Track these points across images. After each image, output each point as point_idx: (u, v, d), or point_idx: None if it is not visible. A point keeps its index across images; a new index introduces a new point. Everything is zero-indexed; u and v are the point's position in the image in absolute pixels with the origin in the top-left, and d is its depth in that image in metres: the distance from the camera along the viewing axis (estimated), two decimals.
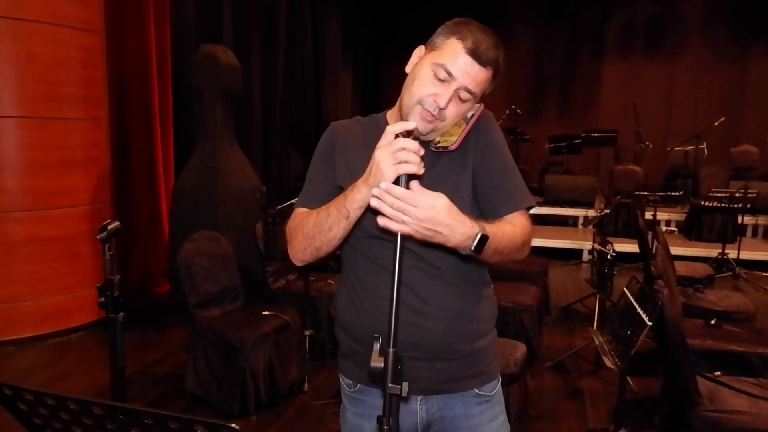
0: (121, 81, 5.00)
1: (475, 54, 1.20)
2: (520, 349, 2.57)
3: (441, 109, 1.21)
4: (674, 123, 9.51)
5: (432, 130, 1.25)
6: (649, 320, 1.96)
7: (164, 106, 5.34)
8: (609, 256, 3.30)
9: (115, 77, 4.87)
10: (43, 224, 4.04)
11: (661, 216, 7.25)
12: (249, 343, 2.97)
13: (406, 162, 1.04)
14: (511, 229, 1.21)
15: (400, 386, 0.98)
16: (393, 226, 1.03)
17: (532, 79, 10.20)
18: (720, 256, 6.15)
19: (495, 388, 1.39)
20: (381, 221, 1.04)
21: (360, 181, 1.13)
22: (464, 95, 1.23)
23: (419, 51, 1.31)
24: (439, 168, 1.27)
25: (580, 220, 7.58)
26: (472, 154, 1.29)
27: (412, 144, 1.05)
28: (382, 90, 10.49)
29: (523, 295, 3.57)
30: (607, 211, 4.33)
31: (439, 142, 1.29)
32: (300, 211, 1.30)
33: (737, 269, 6.05)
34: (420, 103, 1.23)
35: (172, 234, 4.73)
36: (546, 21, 10.14)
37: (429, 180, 1.15)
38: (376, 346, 1.00)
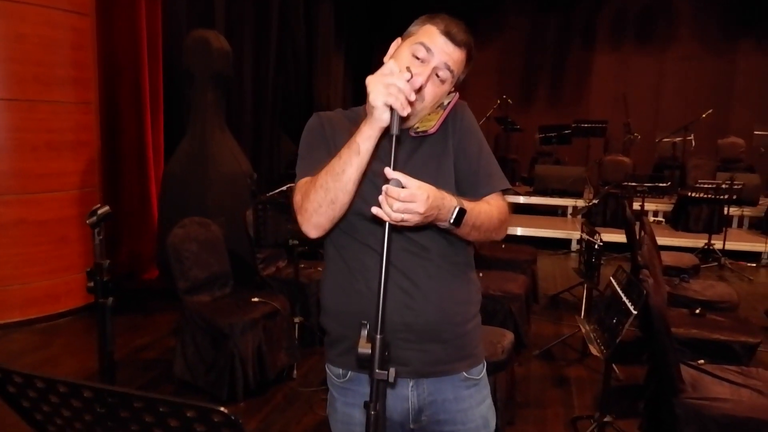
0: (111, 63, 4.94)
1: (449, 35, 1.27)
2: (508, 337, 2.60)
3: (418, 92, 1.20)
4: (663, 114, 9.57)
5: (413, 115, 1.25)
6: (634, 309, 2.00)
7: (155, 90, 5.28)
8: (596, 246, 3.33)
9: (105, 60, 4.81)
10: (31, 207, 4.00)
11: (649, 206, 7.32)
12: (238, 329, 2.98)
13: (394, 97, 1.09)
14: (487, 207, 1.26)
15: (387, 372, 0.99)
16: (392, 216, 1.07)
17: (523, 68, 10.19)
18: (706, 247, 6.23)
19: (481, 372, 1.42)
20: (376, 211, 1.08)
21: (364, 121, 1.18)
22: (442, 74, 1.27)
23: (395, 43, 1.36)
24: (421, 152, 1.32)
25: (570, 210, 7.63)
26: (451, 138, 1.33)
27: (400, 80, 1.10)
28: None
29: (512, 284, 3.60)
30: (595, 201, 4.36)
31: (418, 127, 1.32)
32: (304, 180, 1.30)
33: (722, 259, 6.13)
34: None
35: (162, 219, 4.71)
36: (537, 10, 10.10)
37: (413, 164, 1.26)
38: (364, 332, 1.01)
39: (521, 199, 7.85)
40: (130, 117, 5.14)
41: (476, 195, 1.30)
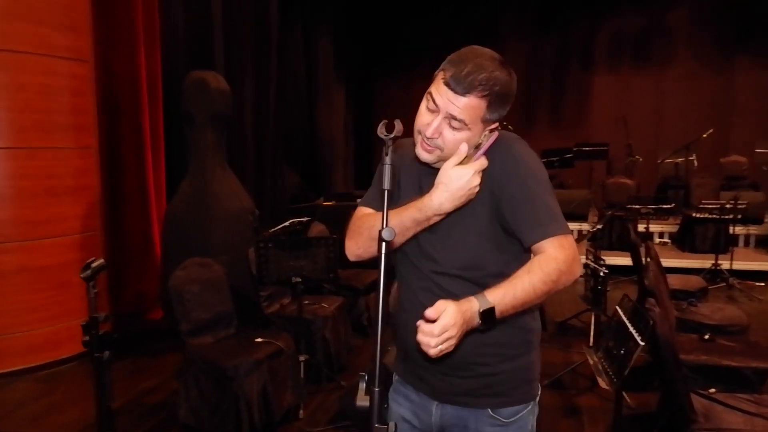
0: (111, 107, 4.99)
1: (450, 84, 1.26)
2: None
3: (433, 138, 1.27)
4: (664, 134, 9.57)
5: (438, 159, 1.31)
6: (642, 340, 1.95)
7: (155, 131, 5.33)
8: (602, 274, 3.30)
9: (105, 103, 4.87)
10: (32, 254, 4.00)
11: (654, 228, 7.27)
12: (242, 371, 2.94)
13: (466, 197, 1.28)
14: (526, 279, 1.21)
15: (386, 427, 0.96)
16: (433, 353, 1.14)
17: (522, 92, 10.22)
18: (713, 267, 6.16)
19: (514, 415, 1.36)
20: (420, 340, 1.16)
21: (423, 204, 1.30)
22: (455, 123, 1.27)
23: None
24: None
25: (575, 234, 7.58)
26: (489, 181, 1.30)
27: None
28: (376, 107, 10.57)
29: None
30: (599, 226, 4.33)
31: None
32: (361, 210, 1.44)
33: (730, 280, 6.05)
34: (419, 132, 1.32)
35: (165, 259, 4.70)
36: (534, 35, 10.22)
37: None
38: (362, 385, 0.99)
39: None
40: (131, 159, 5.17)
41: (524, 242, 1.27)
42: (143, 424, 3.25)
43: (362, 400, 0.97)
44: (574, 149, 8.18)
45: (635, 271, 3.99)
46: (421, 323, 1.13)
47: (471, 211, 1.30)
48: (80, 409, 3.48)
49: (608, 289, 3.37)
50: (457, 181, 1.25)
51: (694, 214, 6.38)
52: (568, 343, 4.41)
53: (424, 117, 1.30)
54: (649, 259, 2.83)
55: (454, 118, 1.26)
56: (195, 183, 4.63)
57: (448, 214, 1.29)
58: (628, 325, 2.08)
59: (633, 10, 9.73)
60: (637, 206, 6.00)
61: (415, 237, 1.34)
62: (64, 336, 4.15)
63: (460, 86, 1.25)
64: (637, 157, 8.38)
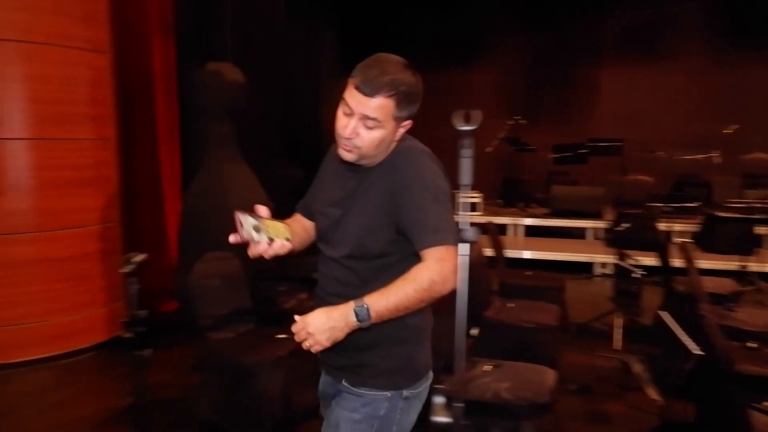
0: (125, 99, 4.96)
1: (360, 88, 1.41)
2: (550, 375, 2.49)
3: (351, 138, 1.43)
4: (675, 130, 9.36)
5: (360, 157, 1.46)
6: (700, 350, 1.84)
7: (170, 124, 5.29)
8: (638, 275, 3.17)
9: (120, 96, 4.84)
10: (52, 245, 4.00)
11: (674, 227, 7.14)
12: (263, 368, 2.90)
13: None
14: (401, 286, 1.38)
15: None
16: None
17: (527, 87, 10.07)
18: (741, 269, 5.96)
19: (367, 395, 1.54)
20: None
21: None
22: (369, 123, 1.42)
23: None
24: (367, 183, 1.51)
25: (590, 232, 7.47)
26: (390, 187, 1.46)
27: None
28: None
29: (543, 314, 3.46)
30: (627, 225, 4.19)
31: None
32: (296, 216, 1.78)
33: (760, 283, 5.83)
34: (339, 135, 1.47)
35: (182, 252, 4.68)
36: (539, 28, 10.00)
37: (359, 191, 1.50)
38: (439, 400, 0.96)
39: (535, 222, 7.69)
40: (145, 152, 5.13)
41: (414, 249, 1.42)
42: (161, 418, 3.22)
43: (440, 416, 0.94)
44: (589, 144, 8.00)
45: (660, 271, 3.87)
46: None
47: (363, 210, 1.48)
48: (99, 401, 3.48)
49: (641, 292, 3.24)
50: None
51: (718, 213, 6.21)
52: (591, 346, 4.25)
53: (341, 121, 1.45)
54: (685, 260, 2.74)
55: (368, 117, 1.41)
56: (209, 176, 4.59)
57: (346, 210, 1.51)
58: (680, 333, 1.97)
59: (641, 2, 9.50)
60: (659, 204, 5.84)
61: (323, 228, 1.61)
62: (82, 326, 4.16)
63: (368, 88, 1.39)
64: (659, 152, 8.16)
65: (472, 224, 1.01)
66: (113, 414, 3.29)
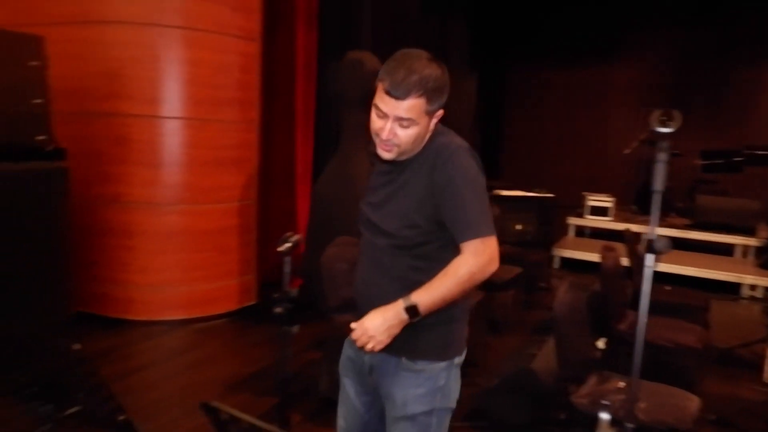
0: (268, 86, 5.24)
1: (390, 93, 1.48)
2: (694, 402, 2.29)
3: (389, 139, 1.51)
4: None
5: (399, 154, 1.55)
6: None
7: (307, 111, 5.51)
8: None
9: (264, 81, 5.11)
10: (198, 218, 4.34)
11: None
12: None
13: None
14: (443, 280, 1.51)
15: None
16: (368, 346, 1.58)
17: (675, 85, 9.28)
18: None
19: (425, 367, 1.64)
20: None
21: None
22: (404, 123, 1.50)
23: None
24: (403, 177, 1.60)
25: (738, 250, 6.77)
26: (430, 182, 1.54)
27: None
28: (509, 94, 10.23)
29: (685, 335, 3.19)
30: None
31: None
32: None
33: None
34: (376, 135, 1.55)
35: (310, 235, 4.87)
36: (693, 22, 9.14)
37: (397, 184, 1.60)
38: (606, 417, 0.89)
39: (674, 233, 7.08)
40: (282, 137, 5.39)
41: (455, 242, 1.52)
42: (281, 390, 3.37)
43: None
44: (746, 152, 7.21)
45: None
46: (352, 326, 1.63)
47: (405, 201, 1.58)
48: (231, 365, 3.76)
49: None
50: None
51: None
52: (735, 375, 3.90)
53: (376, 123, 1.53)
54: None
55: (402, 118, 1.49)
56: (343, 164, 4.72)
57: (388, 200, 1.61)
58: None
59: None
60: None
61: (366, 213, 1.71)
62: (219, 294, 4.50)
63: (398, 92, 1.46)
64: None
65: (661, 236, 0.92)
66: (241, 378, 3.53)
